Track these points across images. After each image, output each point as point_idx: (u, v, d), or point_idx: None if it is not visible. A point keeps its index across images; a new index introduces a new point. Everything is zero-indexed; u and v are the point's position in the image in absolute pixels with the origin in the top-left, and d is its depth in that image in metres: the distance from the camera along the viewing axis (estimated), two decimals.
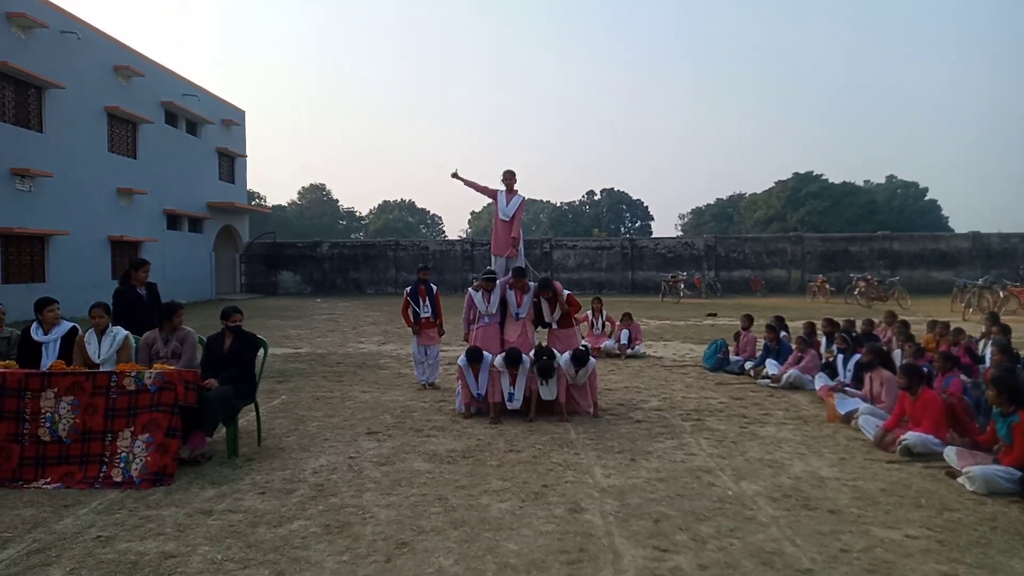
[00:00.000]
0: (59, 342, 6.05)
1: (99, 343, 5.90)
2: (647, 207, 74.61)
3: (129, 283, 7.16)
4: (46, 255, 20.08)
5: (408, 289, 9.10)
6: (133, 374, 5.36)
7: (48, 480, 5.08)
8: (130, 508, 4.59)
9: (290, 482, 5.12)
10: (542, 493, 4.86)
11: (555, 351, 7.28)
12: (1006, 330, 8.98)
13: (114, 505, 4.66)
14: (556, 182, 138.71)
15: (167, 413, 5.28)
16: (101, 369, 5.60)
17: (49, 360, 5.86)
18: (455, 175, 8.59)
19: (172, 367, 5.59)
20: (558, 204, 75.94)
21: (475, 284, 8.11)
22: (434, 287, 9.23)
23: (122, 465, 5.14)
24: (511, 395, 7.07)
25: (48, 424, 5.24)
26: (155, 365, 5.64)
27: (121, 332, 6.03)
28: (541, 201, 77.01)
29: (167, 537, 4.09)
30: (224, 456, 5.77)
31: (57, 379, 5.34)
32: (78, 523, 4.33)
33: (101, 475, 5.12)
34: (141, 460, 5.14)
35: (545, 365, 6.97)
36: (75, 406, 5.28)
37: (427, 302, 9.05)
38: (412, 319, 9.02)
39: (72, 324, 6.23)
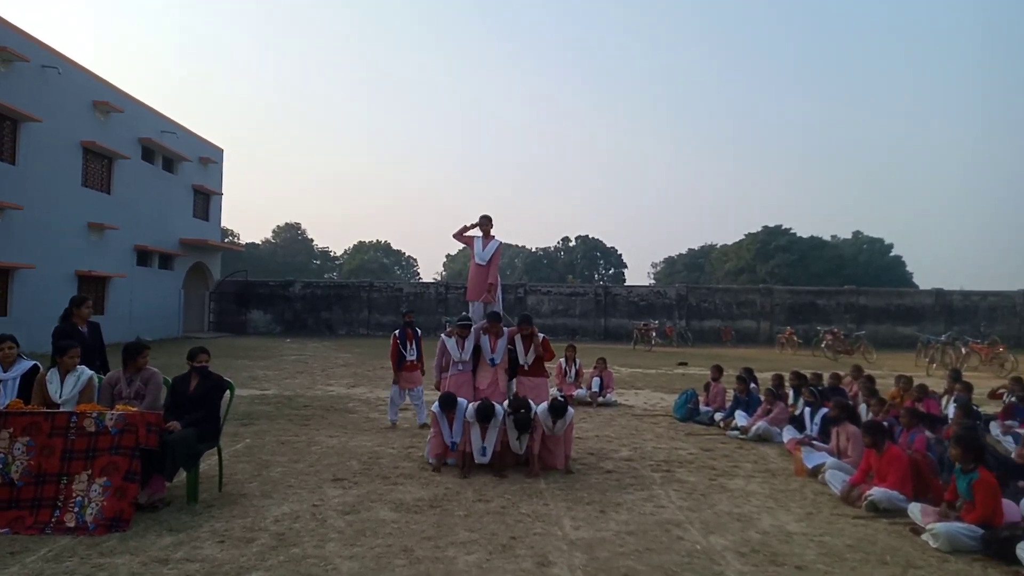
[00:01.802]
0: (18, 380, 5.89)
1: (62, 382, 5.75)
2: (621, 255, 75.52)
3: (70, 320, 6.99)
4: (9, 288, 19.65)
5: (397, 332, 9.22)
6: (94, 415, 5.23)
7: None
8: (82, 556, 4.43)
9: (251, 530, 4.99)
10: (510, 545, 4.79)
11: (531, 402, 7.06)
12: (968, 387, 9.17)
13: (65, 552, 4.49)
14: (531, 228, 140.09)
15: (127, 456, 5.14)
16: (61, 409, 5.45)
17: (6, 399, 5.69)
18: (473, 226, 8.43)
19: (135, 408, 5.47)
20: (533, 249, 76.53)
21: (448, 331, 8.04)
22: (418, 330, 9.60)
23: (76, 510, 4.97)
24: (483, 449, 6.82)
25: (0, 466, 5.07)
26: (117, 406, 5.52)
27: (86, 372, 5.89)
28: (516, 246, 77.53)
29: None
30: (183, 502, 5.61)
31: (14, 419, 5.18)
32: (25, 572, 4.16)
33: (53, 520, 4.93)
34: (97, 505, 4.98)
35: (523, 419, 6.72)
36: (31, 447, 5.12)
37: (413, 345, 9.41)
38: (397, 362, 9.09)
39: (33, 362, 6.08)
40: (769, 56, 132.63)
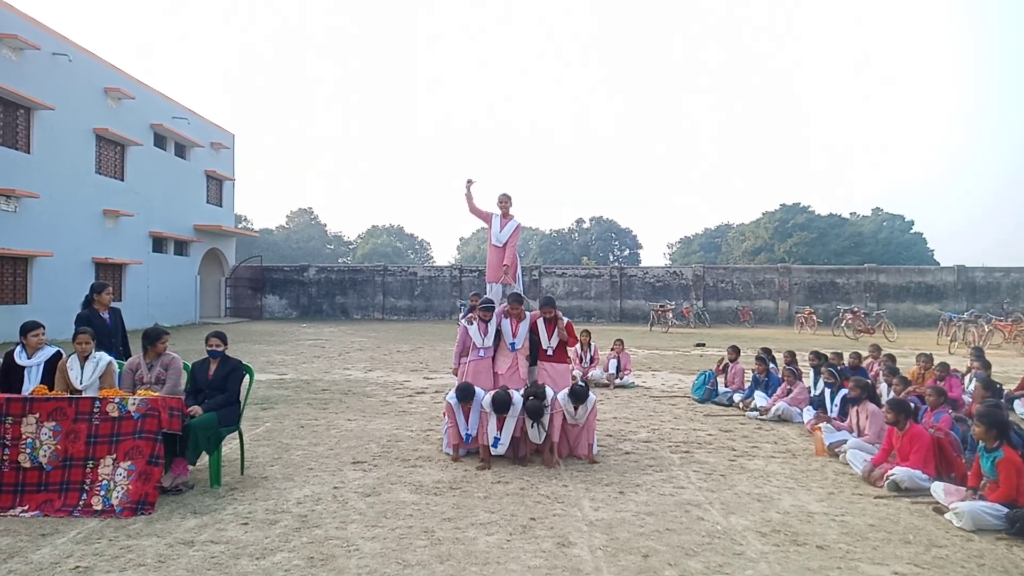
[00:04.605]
0: (42, 366, 5.95)
1: (82, 369, 5.82)
2: (636, 236, 74.95)
3: (92, 307, 7.05)
4: (29, 276, 19.90)
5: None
6: (116, 400, 5.29)
7: (26, 508, 4.97)
8: (110, 538, 4.50)
9: (273, 512, 5.04)
10: (530, 526, 4.81)
11: (547, 388, 6.76)
12: (987, 366, 9.06)
13: (93, 535, 4.57)
14: (546, 210, 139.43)
15: (150, 440, 5.20)
16: (84, 395, 5.52)
17: (32, 385, 5.77)
18: (469, 185, 8.12)
19: (156, 394, 5.52)
20: (547, 232, 76.17)
21: (468, 316, 7.69)
22: None
23: (103, 493, 5.05)
24: (496, 440, 6.58)
25: (29, 450, 5.15)
26: (139, 391, 5.58)
27: (105, 357, 5.95)
28: (531, 228, 77.20)
29: (147, 568, 4.00)
30: (206, 485, 5.68)
31: (39, 404, 5.25)
32: (56, 553, 4.23)
33: (81, 503, 5.02)
34: (122, 488, 5.05)
35: (535, 407, 6.46)
36: (57, 432, 5.20)
37: None
38: None
39: (56, 349, 6.14)
40: (783, 32, 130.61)
